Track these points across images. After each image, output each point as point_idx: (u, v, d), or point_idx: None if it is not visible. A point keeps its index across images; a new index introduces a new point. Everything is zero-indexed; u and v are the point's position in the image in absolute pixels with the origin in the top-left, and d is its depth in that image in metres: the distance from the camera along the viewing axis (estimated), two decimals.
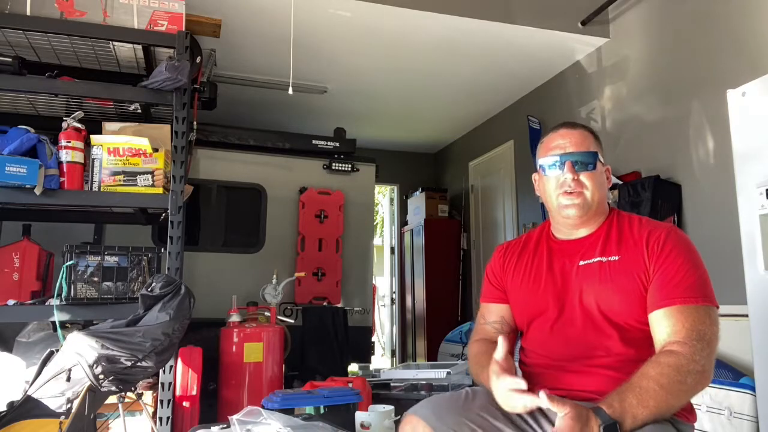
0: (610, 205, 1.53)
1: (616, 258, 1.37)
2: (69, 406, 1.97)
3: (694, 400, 1.30)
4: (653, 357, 1.21)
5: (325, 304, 4.09)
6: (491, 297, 1.58)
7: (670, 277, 1.29)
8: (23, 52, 2.63)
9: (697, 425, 2.37)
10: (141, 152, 2.52)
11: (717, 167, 2.93)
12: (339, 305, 4.14)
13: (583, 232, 1.45)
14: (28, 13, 2.46)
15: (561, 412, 1.05)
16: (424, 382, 3.11)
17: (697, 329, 1.21)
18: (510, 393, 1.21)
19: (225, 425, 1.98)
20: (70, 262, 2.39)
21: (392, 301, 6.74)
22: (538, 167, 1.49)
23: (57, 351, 2.10)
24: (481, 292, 1.63)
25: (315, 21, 3.51)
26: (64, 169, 2.43)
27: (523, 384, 1.19)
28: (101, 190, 2.48)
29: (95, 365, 2.01)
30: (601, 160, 1.45)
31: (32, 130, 2.42)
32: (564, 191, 1.41)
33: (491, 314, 1.56)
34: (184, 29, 2.64)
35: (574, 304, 1.38)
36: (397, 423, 2.33)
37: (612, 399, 1.09)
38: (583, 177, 1.41)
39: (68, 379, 2.00)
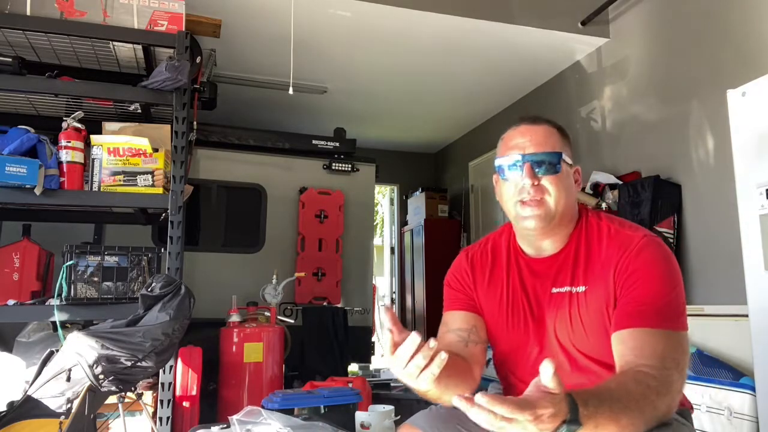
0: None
1: (583, 289, 1.24)
2: (69, 406, 1.97)
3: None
4: (633, 372, 1.06)
5: (325, 304, 4.09)
6: (458, 304, 1.39)
7: (640, 297, 1.16)
8: (23, 52, 2.63)
9: (697, 425, 2.38)
10: (141, 152, 2.52)
11: (717, 167, 2.93)
12: (339, 305, 4.14)
13: (549, 246, 1.30)
14: (28, 13, 2.46)
15: (547, 385, 0.90)
16: None
17: (672, 357, 1.09)
18: (391, 359, 0.99)
19: (225, 425, 1.98)
20: (70, 262, 2.39)
21: (392, 301, 6.74)
22: (495, 168, 1.31)
23: (57, 351, 2.10)
24: (444, 302, 1.45)
25: (315, 21, 3.51)
26: (64, 169, 2.43)
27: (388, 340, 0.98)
28: (101, 190, 2.48)
29: (95, 365, 2.01)
30: (568, 160, 1.27)
31: (32, 130, 2.42)
32: (522, 199, 1.24)
33: (456, 321, 1.36)
34: (184, 29, 2.64)
35: (551, 340, 1.26)
36: (397, 423, 2.33)
37: (589, 399, 0.94)
38: (546, 181, 1.23)
39: (68, 379, 2.00)
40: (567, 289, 1.25)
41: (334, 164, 4.31)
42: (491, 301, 1.36)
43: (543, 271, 1.30)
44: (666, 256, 1.21)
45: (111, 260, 2.46)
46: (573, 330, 1.23)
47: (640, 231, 1.25)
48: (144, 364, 2.09)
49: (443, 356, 0.97)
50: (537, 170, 1.23)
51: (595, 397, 0.96)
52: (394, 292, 6.69)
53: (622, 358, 1.12)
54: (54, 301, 2.38)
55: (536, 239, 1.30)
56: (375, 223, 6.70)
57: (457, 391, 1.10)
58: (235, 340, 3.05)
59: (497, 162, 1.29)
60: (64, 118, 2.49)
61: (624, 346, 1.13)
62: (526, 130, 1.28)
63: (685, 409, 1.28)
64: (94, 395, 2.04)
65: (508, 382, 1.39)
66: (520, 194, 1.24)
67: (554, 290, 1.27)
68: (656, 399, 1.02)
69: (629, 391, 1.01)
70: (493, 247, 1.41)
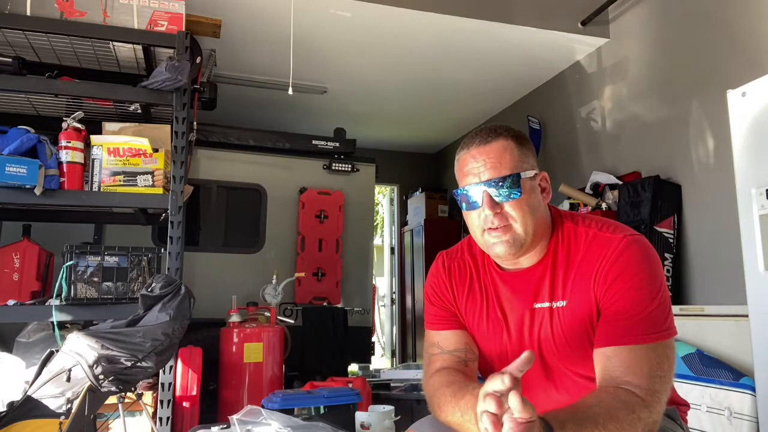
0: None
1: (563, 303, 1.20)
2: (69, 406, 1.97)
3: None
4: (617, 390, 1.04)
5: (325, 304, 4.09)
6: (445, 324, 1.34)
7: (624, 310, 1.11)
8: (23, 52, 2.63)
9: (697, 425, 2.37)
10: (141, 152, 2.52)
11: (717, 167, 2.93)
12: (339, 305, 4.14)
13: (525, 261, 1.25)
14: (28, 13, 2.47)
15: (518, 414, 0.85)
16: None
17: (659, 375, 1.07)
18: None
19: (225, 425, 1.98)
20: (70, 263, 2.39)
21: (392, 301, 6.74)
22: (455, 197, 1.25)
23: (57, 351, 2.10)
24: (426, 318, 1.39)
25: (315, 21, 3.51)
26: (64, 170, 2.44)
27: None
28: (101, 190, 2.48)
29: (95, 365, 2.01)
30: (529, 174, 1.19)
31: (32, 130, 2.43)
32: (488, 228, 1.18)
33: (449, 342, 1.32)
34: (184, 29, 2.64)
35: (536, 360, 1.23)
36: (397, 423, 2.33)
37: (567, 422, 0.91)
38: (508, 208, 1.17)
39: (68, 379, 2.00)
40: (547, 304, 1.22)
41: (334, 164, 4.31)
42: (471, 315, 1.32)
43: (521, 285, 1.26)
44: (647, 255, 1.17)
45: (111, 260, 2.46)
46: (557, 347, 1.20)
47: (619, 231, 1.19)
48: (144, 364, 2.09)
49: None
50: (497, 198, 1.17)
51: (573, 423, 0.92)
52: (394, 292, 6.69)
53: (605, 372, 1.09)
54: (54, 302, 2.38)
55: (510, 260, 1.25)
56: (375, 223, 6.70)
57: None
58: (235, 340, 3.05)
59: (456, 191, 1.23)
60: (64, 118, 2.50)
61: (609, 363, 1.09)
62: (478, 152, 1.19)
63: (673, 408, 1.26)
64: (94, 395, 2.03)
65: None
66: (485, 223, 1.19)
67: (536, 305, 1.23)
68: (642, 423, 1.00)
69: (618, 420, 0.97)
70: (471, 260, 1.35)
